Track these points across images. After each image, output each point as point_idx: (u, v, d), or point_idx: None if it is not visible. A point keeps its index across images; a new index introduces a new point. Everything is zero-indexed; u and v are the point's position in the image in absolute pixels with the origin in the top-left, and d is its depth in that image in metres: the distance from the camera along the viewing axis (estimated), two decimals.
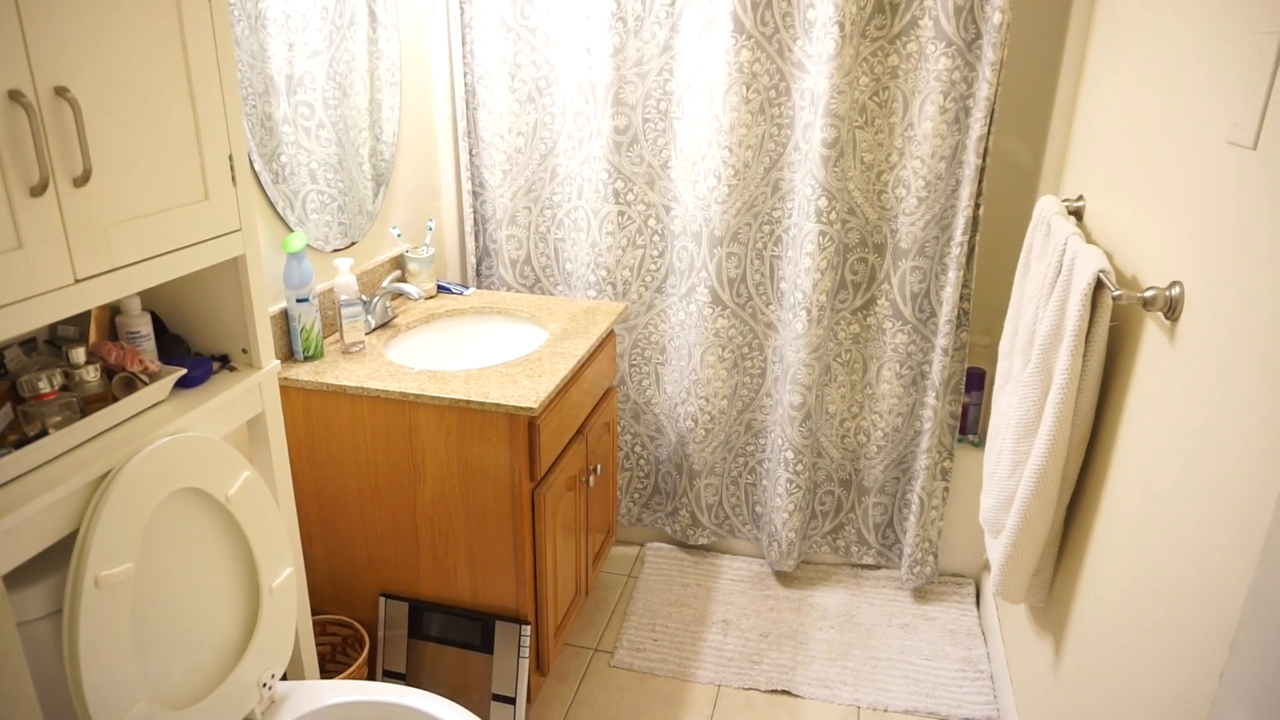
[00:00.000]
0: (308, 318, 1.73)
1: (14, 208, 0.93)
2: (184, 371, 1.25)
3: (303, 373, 1.72)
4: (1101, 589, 1.37)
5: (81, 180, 1.00)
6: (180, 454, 1.15)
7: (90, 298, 1.03)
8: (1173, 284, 1.19)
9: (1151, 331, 1.27)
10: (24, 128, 0.93)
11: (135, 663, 1.09)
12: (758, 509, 2.51)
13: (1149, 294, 1.21)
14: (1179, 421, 1.14)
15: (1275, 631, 0.56)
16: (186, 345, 1.38)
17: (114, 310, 1.28)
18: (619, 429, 2.51)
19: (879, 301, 2.25)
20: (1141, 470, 1.26)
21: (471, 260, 2.43)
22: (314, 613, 1.90)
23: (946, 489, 2.30)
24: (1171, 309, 1.19)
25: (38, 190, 0.95)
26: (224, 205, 1.24)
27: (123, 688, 1.06)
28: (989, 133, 1.99)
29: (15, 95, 0.91)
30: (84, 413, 1.13)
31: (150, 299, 1.37)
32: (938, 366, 2.19)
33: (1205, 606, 0.99)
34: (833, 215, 2.12)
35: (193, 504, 1.19)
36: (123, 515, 1.06)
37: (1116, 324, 1.43)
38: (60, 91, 0.96)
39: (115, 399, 1.18)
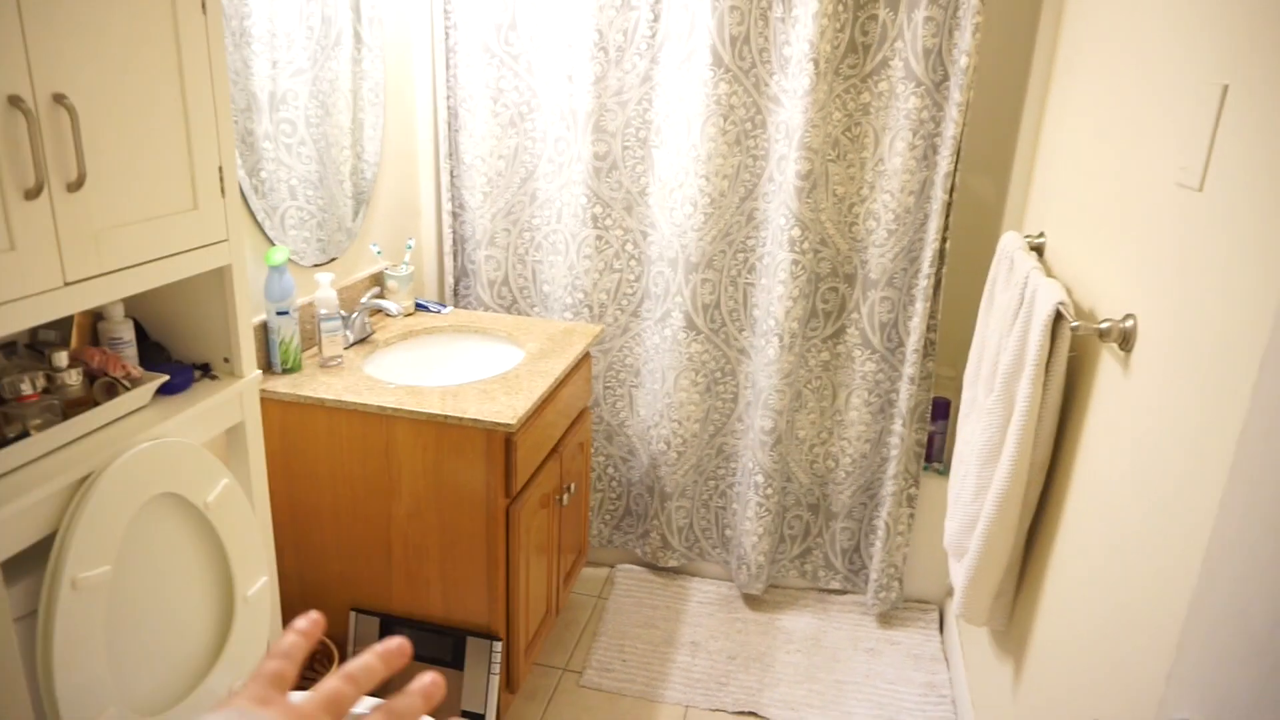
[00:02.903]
0: (287, 330, 1.74)
1: (8, 210, 0.95)
2: (166, 378, 1.26)
3: (280, 385, 1.72)
4: (1059, 609, 1.42)
5: (75, 185, 1.02)
6: (161, 459, 1.16)
7: (79, 300, 1.04)
8: (1126, 316, 1.25)
9: (1107, 362, 1.33)
10: (22, 132, 0.95)
11: (108, 667, 1.09)
12: (727, 532, 2.54)
13: (1105, 326, 1.27)
14: (1132, 447, 1.19)
15: (1214, 633, 0.61)
16: (167, 353, 1.39)
17: (96, 316, 1.29)
18: (592, 450, 2.54)
19: (849, 330, 2.31)
20: (1097, 494, 1.31)
21: (450, 279, 2.45)
22: (284, 626, 1.89)
23: (912, 515, 2.34)
24: (1125, 340, 1.25)
25: (32, 194, 0.96)
26: (212, 215, 1.26)
27: (95, 692, 1.06)
28: (955, 170, 2.06)
29: (15, 101, 0.93)
30: (65, 416, 1.14)
31: (132, 306, 1.38)
32: (905, 395, 2.24)
33: (1153, 618, 1.04)
34: (805, 245, 2.18)
35: (171, 509, 1.20)
36: (103, 518, 1.06)
37: (1075, 354, 1.49)
38: (58, 98, 0.99)
39: (97, 403, 1.18)
